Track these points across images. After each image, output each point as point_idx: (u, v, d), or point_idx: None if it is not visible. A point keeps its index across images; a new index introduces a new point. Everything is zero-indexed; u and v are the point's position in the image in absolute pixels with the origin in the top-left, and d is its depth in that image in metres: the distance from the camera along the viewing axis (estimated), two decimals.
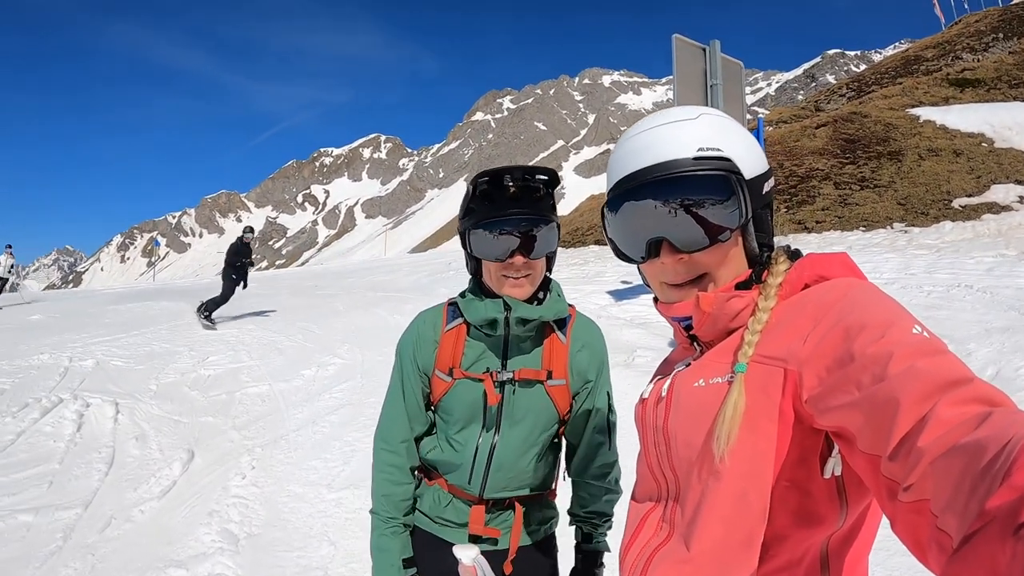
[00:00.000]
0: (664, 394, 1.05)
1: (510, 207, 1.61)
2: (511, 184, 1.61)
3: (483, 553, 1.67)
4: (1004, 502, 0.51)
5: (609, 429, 1.82)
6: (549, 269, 1.77)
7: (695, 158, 0.98)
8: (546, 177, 1.65)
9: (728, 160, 0.98)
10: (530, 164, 1.64)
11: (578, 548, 1.87)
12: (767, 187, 1.04)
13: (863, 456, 0.74)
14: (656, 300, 1.12)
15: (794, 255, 1.04)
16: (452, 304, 1.80)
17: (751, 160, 1.01)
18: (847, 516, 0.91)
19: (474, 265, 1.73)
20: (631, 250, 1.07)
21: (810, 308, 0.89)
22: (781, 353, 0.88)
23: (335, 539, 3.82)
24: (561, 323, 1.79)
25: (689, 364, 1.06)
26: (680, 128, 1.00)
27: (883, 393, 0.71)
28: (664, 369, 1.20)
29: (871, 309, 0.82)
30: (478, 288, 1.74)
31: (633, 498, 1.14)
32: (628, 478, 1.20)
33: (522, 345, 1.73)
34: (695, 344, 1.10)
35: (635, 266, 1.11)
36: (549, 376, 1.71)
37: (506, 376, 1.68)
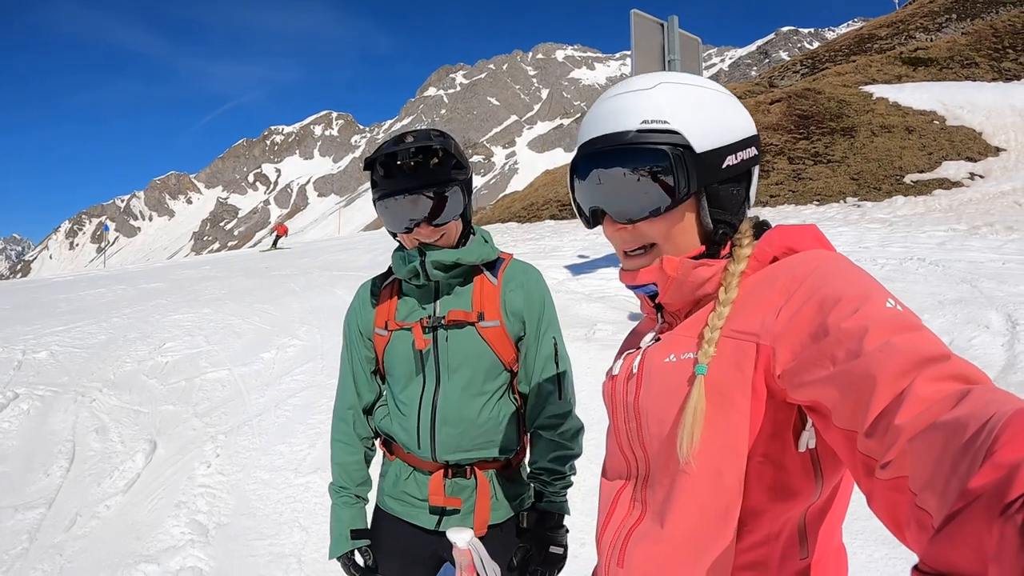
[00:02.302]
0: (635, 370, 1.03)
1: (408, 179, 1.59)
2: (403, 159, 1.58)
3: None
4: (988, 481, 0.50)
5: (559, 377, 1.77)
6: (468, 223, 1.77)
7: (637, 130, 0.96)
8: (437, 146, 1.59)
9: (674, 133, 0.95)
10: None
11: (531, 507, 1.79)
12: (731, 161, 0.98)
13: (839, 432, 0.74)
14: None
15: (761, 227, 1.03)
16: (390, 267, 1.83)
17: (707, 133, 0.96)
18: (822, 489, 0.91)
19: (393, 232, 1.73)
20: (582, 217, 1.09)
21: (781, 281, 0.88)
22: (753, 328, 0.87)
23: (306, 524, 3.78)
24: (491, 266, 1.78)
25: (659, 339, 1.05)
26: (633, 98, 0.99)
27: (859, 369, 0.71)
28: (632, 342, 1.18)
29: (844, 282, 0.82)
30: (403, 244, 1.75)
31: (604, 476, 1.13)
32: (599, 451, 1.21)
33: (452, 291, 1.73)
34: (660, 315, 1.09)
35: (596, 236, 1.12)
36: (480, 318, 1.69)
37: (437, 321, 1.68)
